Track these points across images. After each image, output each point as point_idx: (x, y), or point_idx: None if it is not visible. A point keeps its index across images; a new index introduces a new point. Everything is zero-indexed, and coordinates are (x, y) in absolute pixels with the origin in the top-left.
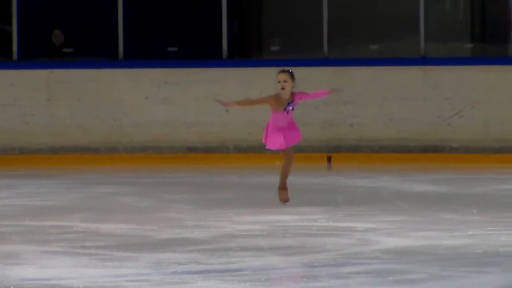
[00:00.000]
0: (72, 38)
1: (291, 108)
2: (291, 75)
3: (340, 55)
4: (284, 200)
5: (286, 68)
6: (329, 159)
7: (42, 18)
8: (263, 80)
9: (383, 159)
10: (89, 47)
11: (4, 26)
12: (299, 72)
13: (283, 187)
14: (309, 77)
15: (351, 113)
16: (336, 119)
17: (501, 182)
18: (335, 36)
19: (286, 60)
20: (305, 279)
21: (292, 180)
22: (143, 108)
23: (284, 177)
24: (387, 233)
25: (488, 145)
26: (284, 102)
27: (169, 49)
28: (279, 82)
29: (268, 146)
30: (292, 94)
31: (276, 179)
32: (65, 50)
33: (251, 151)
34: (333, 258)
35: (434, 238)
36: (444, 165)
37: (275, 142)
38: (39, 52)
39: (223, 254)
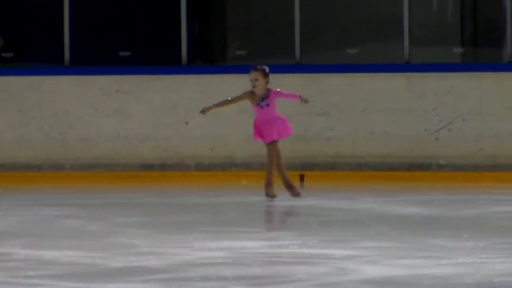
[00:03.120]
0: (11, 41)
1: (265, 104)
2: (263, 72)
3: (314, 61)
4: (272, 196)
5: (258, 66)
6: (301, 178)
7: None
8: (227, 88)
9: (362, 177)
10: (31, 51)
11: None
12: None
13: (269, 183)
14: (280, 85)
15: (326, 126)
16: (310, 132)
17: (495, 203)
18: (308, 39)
19: (253, 66)
20: None
21: (259, 201)
22: (92, 120)
23: (267, 175)
24: (367, 261)
25: (480, 162)
26: (258, 98)
27: (121, 53)
28: (250, 80)
29: (265, 141)
30: (268, 90)
31: (242, 199)
32: (3, 55)
33: (213, 168)
34: None
35: (419, 267)
36: (431, 184)
37: (270, 135)
38: None
39: (182, 285)
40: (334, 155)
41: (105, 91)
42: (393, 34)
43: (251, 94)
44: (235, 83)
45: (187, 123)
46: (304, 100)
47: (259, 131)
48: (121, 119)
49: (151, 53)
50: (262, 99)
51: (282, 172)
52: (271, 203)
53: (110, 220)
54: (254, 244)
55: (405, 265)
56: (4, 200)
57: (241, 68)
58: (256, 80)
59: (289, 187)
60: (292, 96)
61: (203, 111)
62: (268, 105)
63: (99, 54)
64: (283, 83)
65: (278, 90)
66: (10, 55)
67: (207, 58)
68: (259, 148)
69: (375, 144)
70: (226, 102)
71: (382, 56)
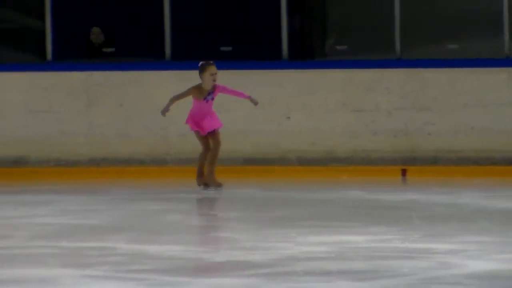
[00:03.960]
0: (113, 36)
1: (210, 98)
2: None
3: (415, 56)
4: (218, 184)
5: (211, 61)
6: (403, 173)
7: (80, 14)
8: (327, 83)
9: (464, 172)
10: (132, 46)
11: None
12: (369, 74)
13: (212, 172)
14: (381, 80)
15: (427, 120)
16: (411, 127)
17: None
18: (408, 34)
19: (354, 61)
20: None
21: (363, 196)
22: None
23: (213, 164)
24: (469, 256)
25: None
26: (205, 93)
27: (222, 48)
28: (211, 75)
29: (207, 130)
30: (213, 86)
31: (343, 194)
32: (105, 50)
33: (314, 163)
34: (409, 284)
35: None
36: None
37: (213, 123)
38: (76, 53)
39: (286, 279)
40: (435, 149)
41: None
42: (494, 29)
43: (199, 89)
44: (336, 78)
45: (288, 117)
46: (254, 102)
47: (196, 123)
48: (222, 114)
49: (251, 48)
50: (209, 93)
51: (202, 161)
52: (372, 197)
53: (212, 214)
54: (357, 239)
55: (508, 259)
56: (106, 194)
57: (342, 63)
58: (216, 74)
59: (200, 176)
60: (239, 94)
61: (163, 113)
62: (213, 98)
63: (200, 49)
64: (383, 78)
65: (223, 85)
66: (111, 50)
67: (308, 53)
68: (362, 143)
69: (476, 138)
70: (176, 99)
71: (483, 51)
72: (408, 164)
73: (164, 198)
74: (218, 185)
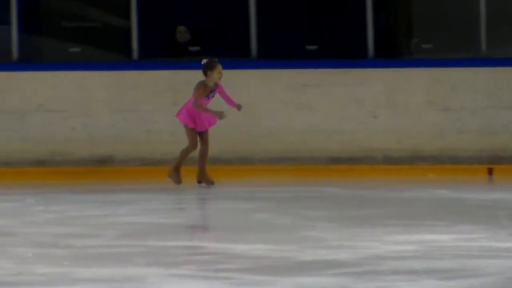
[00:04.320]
0: (198, 35)
1: (212, 95)
2: None
3: (500, 54)
4: (211, 182)
5: (216, 59)
6: (490, 172)
7: (165, 13)
8: (413, 82)
9: None
10: (217, 45)
11: None
12: (454, 73)
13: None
14: (466, 79)
15: None
16: (496, 126)
17: None
18: (494, 32)
19: (440, 59)
20: None
21: (449, 194)
22: (279, 114)
23: (203, 162)
24: None
25: None
26: (208, 90)
27: (308, 47)
28: (219, 73)
29: (201, 128)
30: (215, 84)
31: (429, 193)
32: (190, 48)
33: (400, 162)
34: (495, 283)
35: None
36: None
37: (209, 122)
38: (161, 51)
39: (372, 278)
40: None
41: (292, 85)
42: None
43: (204, 87)
44: (421, 77)
45: (374, 116)
46: (238, 108)
47: (192, 118)
48: (308, 113)
49: (337, 47)
50: (211, 91)
51: (183, 159)
52: (458, 196)
53: (298, 213)
54: (443, 238)
55: None
56: (192, 193)
57: (427, 62)
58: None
59: (176, 171)
60: (230, 101)
61: (222, 117)
62: (213, 96)
63: (285, 48)
64: (468, 76)
65: (221, 86)
66: (197, 49)
67: (393, 51)
68: (448, 142)
69: None
70: (203, 104)
71: None
72: (494, 163)
73: (250, 197)
74: (211, 183)
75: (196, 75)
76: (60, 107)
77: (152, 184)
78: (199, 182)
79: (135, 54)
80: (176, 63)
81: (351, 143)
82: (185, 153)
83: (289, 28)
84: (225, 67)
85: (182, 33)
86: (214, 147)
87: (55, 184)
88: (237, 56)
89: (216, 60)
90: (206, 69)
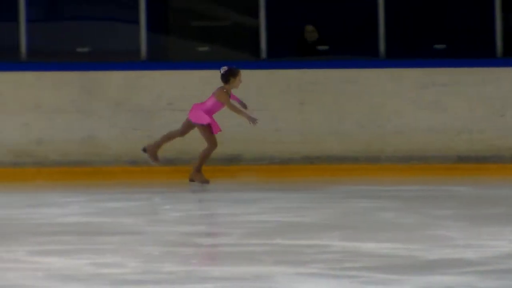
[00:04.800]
0: (326, 34)
1: None
2: None
3: None
4: (206, 181)
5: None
6: None
7: (293, 12)
8: None
9: None
10: (346, 44)
11: None
12: None
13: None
14: None
15: None
16: None
17: None
18: None
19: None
20: None
21: None
22: (408, 113)
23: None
24: None
25: None
26: (228, 95)
27: (436, 46)
28: (240, 81)
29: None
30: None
31: None
32: (319, 48)
33: None
34: None
35: None
36: None
37: (215, 127)
38: (289, 50)
39: (500, 277)
40: None
41: (420, 84)
42: None
43: (226, 92)
44: None
45: (502, 115)
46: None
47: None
48: (436, 112)
49: (465, 46)
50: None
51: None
52: None
53: (425, 212)
54: None
55: None
56: (319, 192)
57: None
58: None
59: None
60: (238, 101)
61: (254, 122)
62: None
63: (413, 47)
64: None
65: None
66: (325, 48)
67: None
68: None
69: None
70: (235, 107)
71: None
72: None
73: (377, 196)
74: (205, 181)
75: (325, 74)
76: (188, 106)
77: (280, 183)
78: (191, 181)
79: (263, 53)
80: (304, 62)
81: (479, 142)
82: (207, 153)
83: (417, 27)
84: (353, 66)
85: (310, 32)
86: (343, 146)
87: (182, 183)
88: (365, 55)
89: (235, 67)
90: (229, 76)
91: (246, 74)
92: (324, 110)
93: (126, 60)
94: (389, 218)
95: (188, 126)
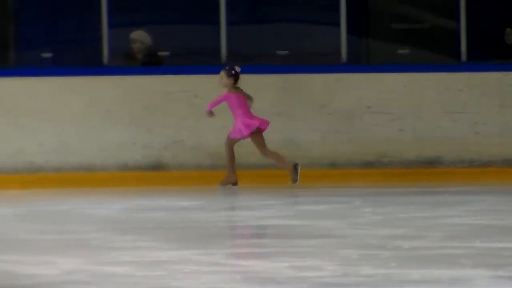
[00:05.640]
0: None
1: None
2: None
3: None
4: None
5: (227, 67)
6: None
7: (493, 14)
8: None
9: None
10: None
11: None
12: None
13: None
14: None
15: None
16: None
17: None
18: None
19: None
20: None
21: None
22: None
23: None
24: None
25: None
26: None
27: None
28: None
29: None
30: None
31: None
32: None
33: None
34: None
35: None
36: None
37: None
38: (489, 53)
39: None
40: None
41: None
42: None
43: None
44: None
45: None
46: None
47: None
48: None
49: None
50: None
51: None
52: None
53: None
54: None
55: None
56: None
57: None
58: (221, 79)
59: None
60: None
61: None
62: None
63: None
64: None
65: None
66: None
67: None
68: None
69: None
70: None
71: None
72: None
73: None
74: (234, 183)
75: None
76: (388, 109)
77: (480, 186)
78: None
79: (463, 56)
80: (505, 65)
81: None
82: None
83: None
84: None
85: (510, 35)
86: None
87: (382, 186)
88: None
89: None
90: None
91: (445, 77)
92: None
93: (326, 63)
94: None
95: (255, 143)
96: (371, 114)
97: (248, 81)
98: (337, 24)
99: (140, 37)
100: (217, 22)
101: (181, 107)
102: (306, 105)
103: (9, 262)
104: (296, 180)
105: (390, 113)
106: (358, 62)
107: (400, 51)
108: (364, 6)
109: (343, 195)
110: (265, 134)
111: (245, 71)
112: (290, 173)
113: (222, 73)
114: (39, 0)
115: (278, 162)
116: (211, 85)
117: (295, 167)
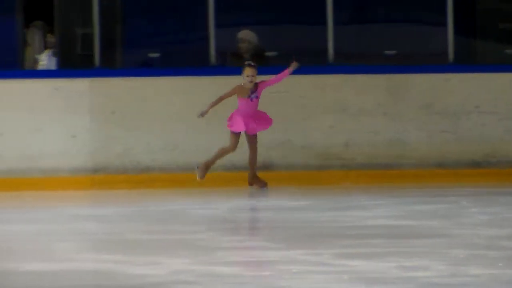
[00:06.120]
0: None
1: (254, 96)
2: (257, 69)
3: None
4: (265, 184)
5: (252, 63)
6: None
7: None
8: None
9: None
10: None
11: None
12: None
13: (255, 175)
14: None
15: None
16: None
17: None
18: None
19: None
20: None
21: None
22: None
23: (253, 167)
24: None
25: None
26: (248, 91)
27: None
28: (247, 76)
29: (233, 129)
30: (255, 84)
31: None
32: None
33: None
34: None
35: None
36: None
37: (237, 125)
38: None
39: None
40: None
41: None
42: None
43: (240, 88)
44: None
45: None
46: (294, 67)
47: (245, 123)
48: None
49: None
50: (252, 92)
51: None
52: None
53: None
54: None
55: None
56: None
57: None
58: (253, 76)
59: (256, 180)
60: (281, 77)
61: (202, 115)
62: (257, 97)
63: None
64: None
65: (263, 81)
66: None
67: None
68: None
69: None
70: (219, 100)
71: None
72: None
73: None
74: (264, 185)
75: None
76: (495, 109)
77: None
78: (251, 184)
79: None
80: None
81: None
82: (222, 153)
83: None
84: None
85: None
86: None
87: (490, 186)
88: None
89: (247, 64)
90: (243, 71)
91: None
92: None
93: (433, 62)
94: None
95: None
96: (479, 114)
97: (354, 81)
98: (444, 24)
99: (247, 36)
100: (324, 23)
101: (288, 107)
102: (412, 105)
103: (117, 262)
104: (202, 178)
105: (498, 113)
106: (465, 62)
107: (507, 51)
108: (471, 5)
109: (450, 195)
110: (372, 133)
111: (351, 71)
112: (200, 171)
113: (255, 71)
114: (146, 1)
115: (214, 157)
116: (318, 85)
117: (199, 167)
